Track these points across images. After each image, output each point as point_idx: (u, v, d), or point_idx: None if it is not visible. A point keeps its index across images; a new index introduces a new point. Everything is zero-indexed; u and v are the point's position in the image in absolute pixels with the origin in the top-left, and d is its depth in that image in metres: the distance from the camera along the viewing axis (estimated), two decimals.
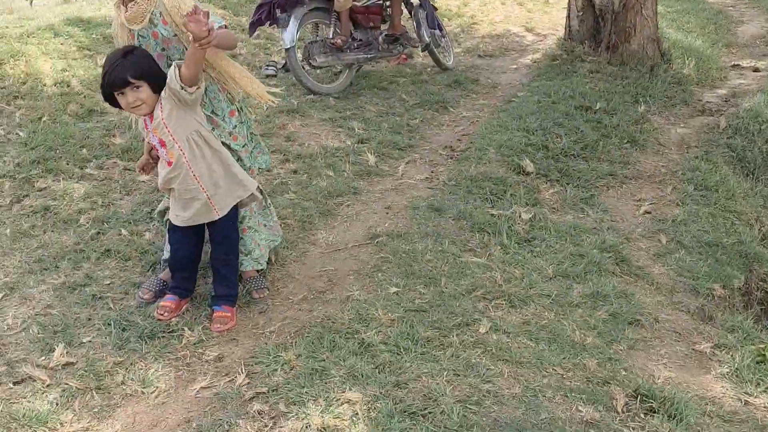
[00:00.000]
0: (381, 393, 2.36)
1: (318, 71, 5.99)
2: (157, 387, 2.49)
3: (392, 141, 4.86)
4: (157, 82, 2.57)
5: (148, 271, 3.19)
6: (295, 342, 2.70)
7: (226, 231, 2.84)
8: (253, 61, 6.29)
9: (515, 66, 7.02)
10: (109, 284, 3.10)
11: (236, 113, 2.90)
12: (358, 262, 3.34)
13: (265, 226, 3.15)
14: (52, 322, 2.81)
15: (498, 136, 4.81)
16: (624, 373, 2.63)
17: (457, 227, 3.66)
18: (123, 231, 3.50)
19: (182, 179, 2.65)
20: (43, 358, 2.62)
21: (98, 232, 3.49)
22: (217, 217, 2.74)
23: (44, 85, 5.05)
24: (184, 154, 2.61)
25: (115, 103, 2.62)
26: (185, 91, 2.53)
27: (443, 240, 3.48)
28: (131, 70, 2.52)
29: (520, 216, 3.78)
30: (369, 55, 5.97)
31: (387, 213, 3.88)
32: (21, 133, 4.41)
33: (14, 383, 2.49)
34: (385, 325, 2.77)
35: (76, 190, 3.87)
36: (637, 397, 2.48)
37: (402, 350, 2.61)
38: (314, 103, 5.49)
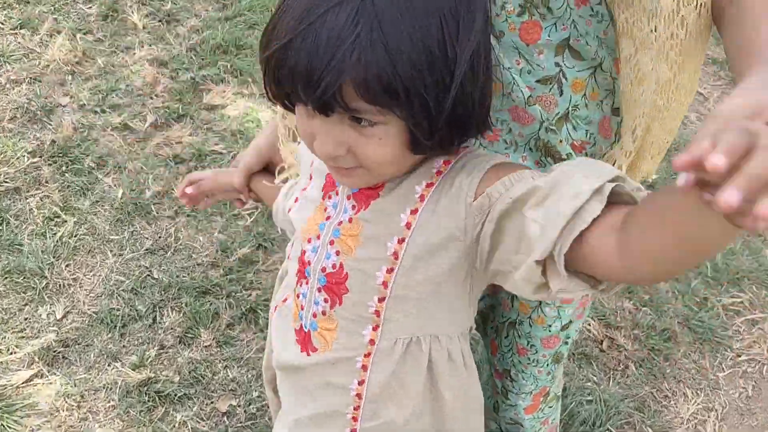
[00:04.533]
0: None
1: None
2: None
3: None
4: (430, 121, 0.62)
5: None
6: None
7: None
8: None
9: None
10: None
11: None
12: None
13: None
14: None
15: None
16: None
17: None
18: None
19: (326, 367, 0.81)
20: None
21: None
22: None
23: None
24: (368, 356, 0.77)
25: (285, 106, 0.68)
26: (551, 285, 0.63)
27: None
28: (375, 75, 0.58)
29: None
30: None
31: None
32: None
33: None
34: None
35: None
36: None
37: None
38: None
